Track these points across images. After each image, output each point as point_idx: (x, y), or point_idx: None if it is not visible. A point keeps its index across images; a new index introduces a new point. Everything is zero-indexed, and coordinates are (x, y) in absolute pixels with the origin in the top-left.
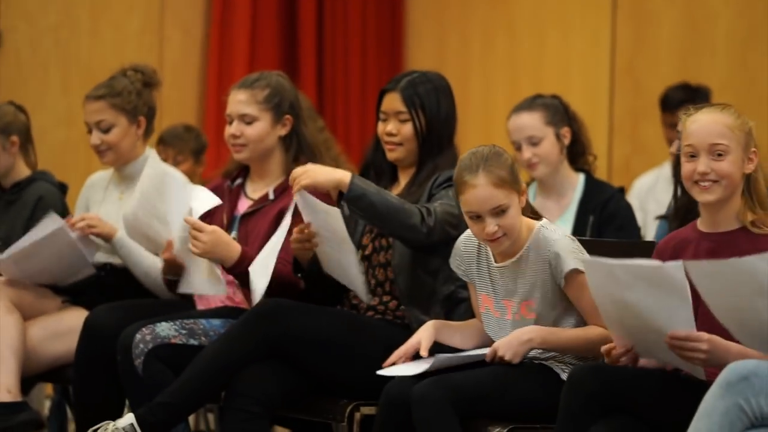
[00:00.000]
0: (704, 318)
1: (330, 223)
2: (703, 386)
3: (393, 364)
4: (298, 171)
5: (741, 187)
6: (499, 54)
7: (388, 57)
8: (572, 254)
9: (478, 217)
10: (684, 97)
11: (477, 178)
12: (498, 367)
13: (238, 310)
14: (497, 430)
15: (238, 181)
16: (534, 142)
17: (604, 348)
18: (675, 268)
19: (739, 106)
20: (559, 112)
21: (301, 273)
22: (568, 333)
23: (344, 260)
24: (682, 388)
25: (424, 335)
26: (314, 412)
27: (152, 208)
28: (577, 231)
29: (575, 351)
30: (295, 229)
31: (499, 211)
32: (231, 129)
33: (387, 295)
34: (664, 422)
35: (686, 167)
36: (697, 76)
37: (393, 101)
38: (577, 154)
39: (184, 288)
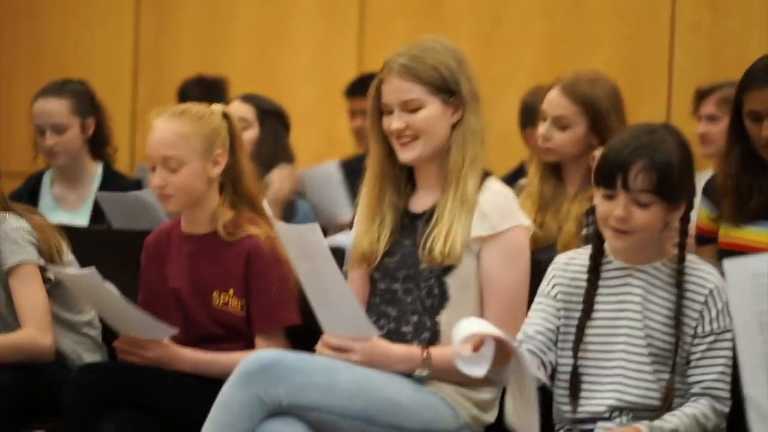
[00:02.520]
0: None
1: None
2: (212, 382)
3: None
4: None
5: (210, 190)
6: (22, 38)
7: None
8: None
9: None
10: (200, 93)
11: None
12: None
13: None
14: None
15: None
16: (59, 130)
17: None
18: None
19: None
20: (87, 101)
21: None
22: None
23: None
24: (191, 382)
25: None
26: None
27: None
28: (96, 221)
29: None
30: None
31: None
32: None
33: None
34: (175, 415)
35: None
36: (218, 67)
37: None
38: (99, 144)
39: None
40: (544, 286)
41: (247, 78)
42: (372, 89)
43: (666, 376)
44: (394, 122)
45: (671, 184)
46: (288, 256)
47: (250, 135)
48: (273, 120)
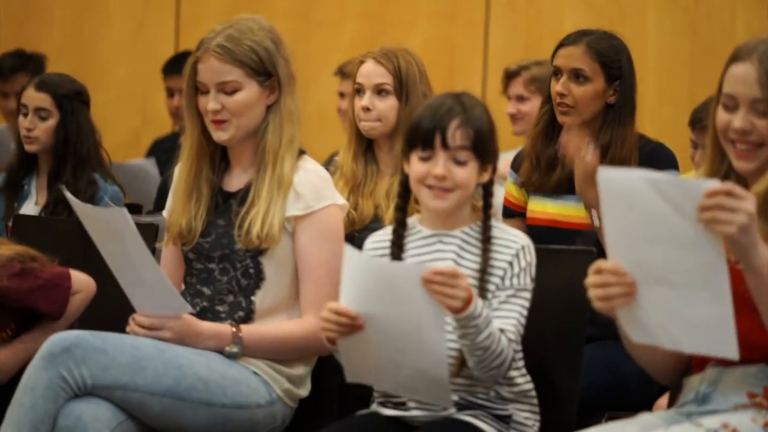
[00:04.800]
0: None
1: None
2: None
3: None
4: None
5: None
6: None
7: None
8: None
9: None
10: (16, 65)
11: None
12: None
13: None
14: None
15: None
16: None
17: None
18: None
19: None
20: None
21: None
22: None
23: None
24: None
25: None
26: None
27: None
28: None
29: None
30: None
31: None
32: None
33: None
34: None
35: None
36: (32, 43)
37: None
38: None
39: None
40: None
41: (62, 55)
42: (188, 67)
43: None
44: (210, 103)
45: (485, 142)
46: (91, 236)
47: (51, 124)
48: (72, 102)
